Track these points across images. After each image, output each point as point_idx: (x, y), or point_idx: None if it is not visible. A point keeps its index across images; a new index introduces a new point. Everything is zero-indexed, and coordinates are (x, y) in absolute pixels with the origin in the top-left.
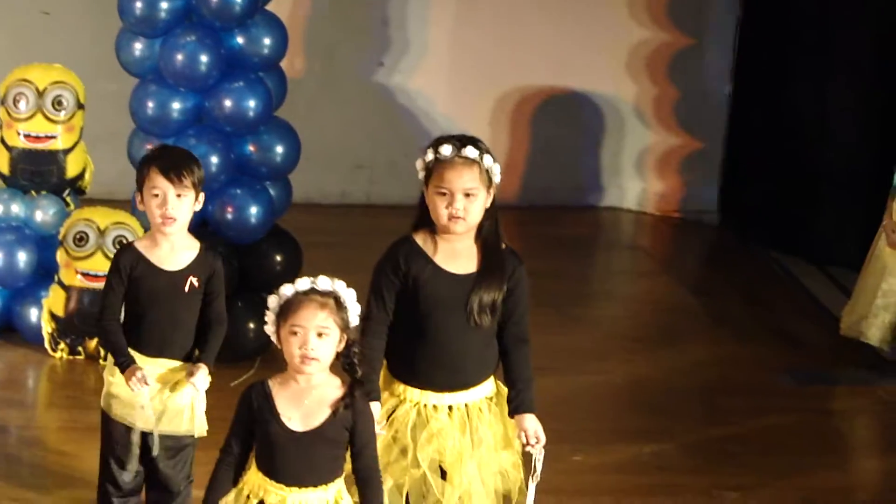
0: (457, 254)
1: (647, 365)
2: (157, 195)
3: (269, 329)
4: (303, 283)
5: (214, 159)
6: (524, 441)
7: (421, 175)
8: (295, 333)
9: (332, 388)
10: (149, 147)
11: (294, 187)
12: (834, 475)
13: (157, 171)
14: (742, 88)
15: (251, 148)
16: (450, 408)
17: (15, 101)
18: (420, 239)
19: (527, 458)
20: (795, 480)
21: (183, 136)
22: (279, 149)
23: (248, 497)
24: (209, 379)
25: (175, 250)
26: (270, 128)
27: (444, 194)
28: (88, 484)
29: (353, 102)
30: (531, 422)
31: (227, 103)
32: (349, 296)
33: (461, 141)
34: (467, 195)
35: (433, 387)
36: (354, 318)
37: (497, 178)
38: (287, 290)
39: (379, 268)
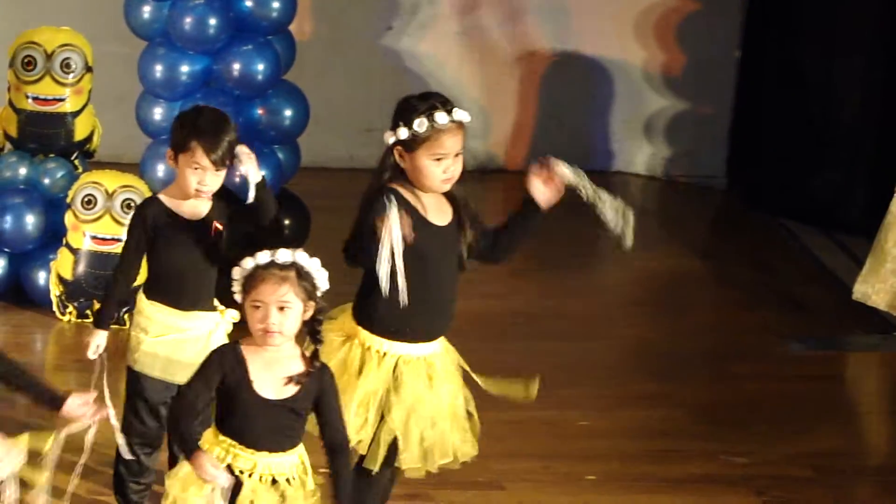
0: (438, 206)
1: (654, 330)
2: (196, 169)
3: (238, 299)
4: (263, 257)
5: None
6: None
7: (398, 139)
8: (257, 307)
9: (297, 360)
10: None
11: (302, 151)
12: (843, 441)
13: (202, 151)
14: (751, 54)
15: (259, 112)
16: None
17: (24, 64)
18: (403, 191)
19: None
20: (804, 446)
21: (191, 99)
22: (287, 112)
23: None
24: None
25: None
26: (279, 91)
27: (440, 159)
28: (97, 449)
29: (362, 66)
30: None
31: (236, 67)
32: (313, 265)
33: (444, 104)
34: (456, 155)
35: (411, 337)
36: (323, 285)
37: None
38: (248, 263)
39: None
